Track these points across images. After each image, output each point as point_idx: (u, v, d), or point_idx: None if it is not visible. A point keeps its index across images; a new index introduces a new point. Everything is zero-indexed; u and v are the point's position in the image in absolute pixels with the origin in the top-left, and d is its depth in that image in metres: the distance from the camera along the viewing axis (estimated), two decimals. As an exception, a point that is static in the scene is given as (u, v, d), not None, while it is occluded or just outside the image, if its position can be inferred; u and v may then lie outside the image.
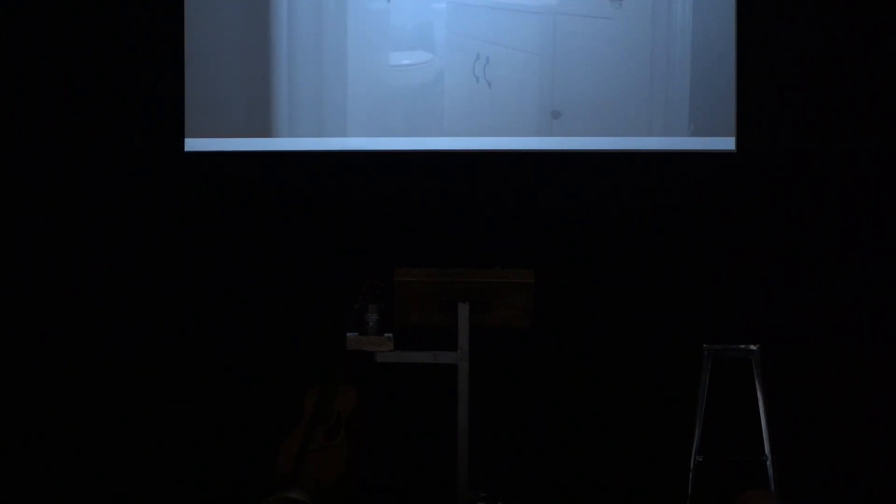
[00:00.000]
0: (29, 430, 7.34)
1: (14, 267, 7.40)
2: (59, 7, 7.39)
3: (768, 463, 6.58)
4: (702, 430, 6.62)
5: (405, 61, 7.38)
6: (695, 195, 7.22)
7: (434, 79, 7.36)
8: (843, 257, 7.12)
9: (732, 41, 7.15)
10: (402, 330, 6.53)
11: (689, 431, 6.65)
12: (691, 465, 6.63)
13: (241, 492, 7.10)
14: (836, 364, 7.09)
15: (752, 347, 6.64)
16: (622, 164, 7.23)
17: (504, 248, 7.21)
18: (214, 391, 7.33)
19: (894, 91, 7.10)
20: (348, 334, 6.55)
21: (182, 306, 7.36)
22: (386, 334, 6.52)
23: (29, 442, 7.32)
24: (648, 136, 7.21)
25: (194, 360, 7.35)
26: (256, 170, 7.39)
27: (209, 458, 7.29)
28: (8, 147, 7.41)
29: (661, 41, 7.22)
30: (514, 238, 7.25)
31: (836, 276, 7.12)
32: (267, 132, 7.38)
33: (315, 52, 7.41)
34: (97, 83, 7.38)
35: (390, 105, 7.37)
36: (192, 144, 7.40)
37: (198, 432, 7.32)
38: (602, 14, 7.26)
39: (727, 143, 7.17)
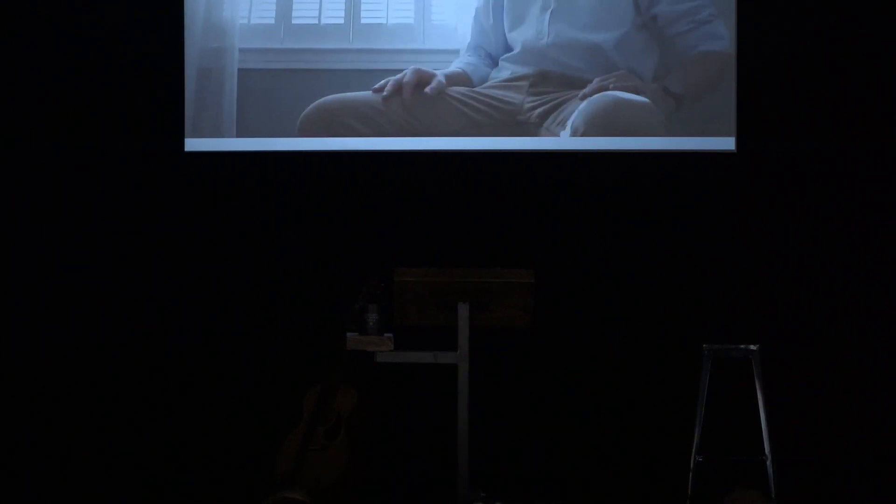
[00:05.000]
0: (29, 430, 7.33)
1: (14, 266, 7.40)
2: (59, 7, 7.39)
3: (768, 463, 6.58)
4: (702, 430, 6.61)
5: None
6: (695, 195, 7.22)
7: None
8: (843, 257, 7.12)
9: (732, 41, 7.15)
10: (402, 330, 6.53)
11: (689, 431, 6.65)
12: (691, 465, 6.63)
13: (241, 492, 7.10)
14: (836, 364, 7.09)
15: (752, 347, 6.63)
16: (622, 164, 7.23)
17: (504, 248, 7.21)
18: (215, 391, 7.33)
19: (893, 91, 7.10)
20: (348, 334, 6.56)
21: (182, 306, 7.36)
22: (386, 334, 6.53)
23: (29, 442, 7.32)
24: (648, 136, 7.20)
25: (194, 360, 7.34)
26: (256, 170, 7.38)
27: (209, 458, 7.29)
28: (8, 147, 7.41)
29: (661, 41, 7.23)
30: (514, 238, 7.25)
31: (836, 276, 7.12)
32: (267, 132, 7.37)
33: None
34: (97, 83, 7.38)
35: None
36: (192, 144, 7.40)
37: (198, 432, 7.32)
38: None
39: (727, 143, 7.17)
